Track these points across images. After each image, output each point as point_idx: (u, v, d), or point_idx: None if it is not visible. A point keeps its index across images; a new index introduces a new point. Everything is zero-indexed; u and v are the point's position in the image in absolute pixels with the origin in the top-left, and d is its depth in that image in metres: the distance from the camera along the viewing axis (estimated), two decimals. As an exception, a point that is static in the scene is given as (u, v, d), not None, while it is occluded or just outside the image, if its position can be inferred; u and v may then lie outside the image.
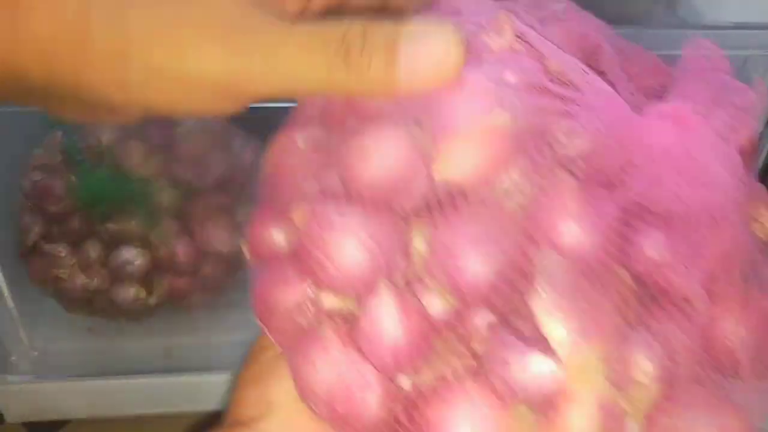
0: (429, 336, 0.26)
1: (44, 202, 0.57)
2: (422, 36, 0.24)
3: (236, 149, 0.62)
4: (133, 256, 0.58)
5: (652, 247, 0.26)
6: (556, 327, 0.25)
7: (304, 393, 0.27)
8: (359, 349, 0.26)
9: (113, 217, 0.58)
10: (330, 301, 0.27)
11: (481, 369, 0.26)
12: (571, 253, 0.25)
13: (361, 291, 0.26)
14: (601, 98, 0.27)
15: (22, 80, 0.23)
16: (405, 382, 0.26)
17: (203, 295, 0.63)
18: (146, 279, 0.60)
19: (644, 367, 0.26)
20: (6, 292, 0.61)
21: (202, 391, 0.68)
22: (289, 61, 0.23)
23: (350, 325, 0.27)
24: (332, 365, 0.27)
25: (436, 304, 0.26)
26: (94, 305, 0.61)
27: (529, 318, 0.25)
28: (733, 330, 0.29)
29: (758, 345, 0.30)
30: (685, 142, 0.27)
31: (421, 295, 0.26)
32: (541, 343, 0.25)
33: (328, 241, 0.26)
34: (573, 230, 0.25)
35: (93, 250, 0.58)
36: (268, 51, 0.23)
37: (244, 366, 0.31)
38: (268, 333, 0.29)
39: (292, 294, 0.28)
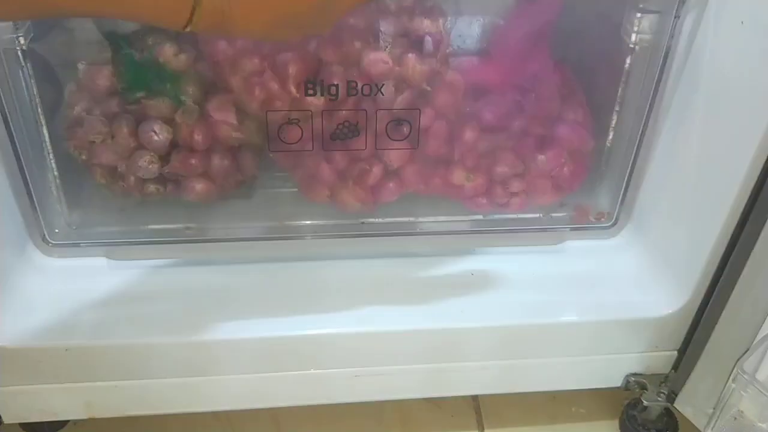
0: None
1: (94, 78, 0.67)
2: None
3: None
4: (159, 128, 0.68)
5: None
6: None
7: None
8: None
9: (148, 97, 0.68)
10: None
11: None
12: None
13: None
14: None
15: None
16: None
17: (207, 184, 0.72)
18: (164, 152, 0.69)
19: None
20: (55, 172, 0.70)
21: (203, 391, 0.70)
22: None
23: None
24: None
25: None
26: (117, 174, 0.70)
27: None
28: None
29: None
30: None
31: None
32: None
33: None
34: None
35: (126, 123, 0.68)
36: None
37: None
38: None
39: None
